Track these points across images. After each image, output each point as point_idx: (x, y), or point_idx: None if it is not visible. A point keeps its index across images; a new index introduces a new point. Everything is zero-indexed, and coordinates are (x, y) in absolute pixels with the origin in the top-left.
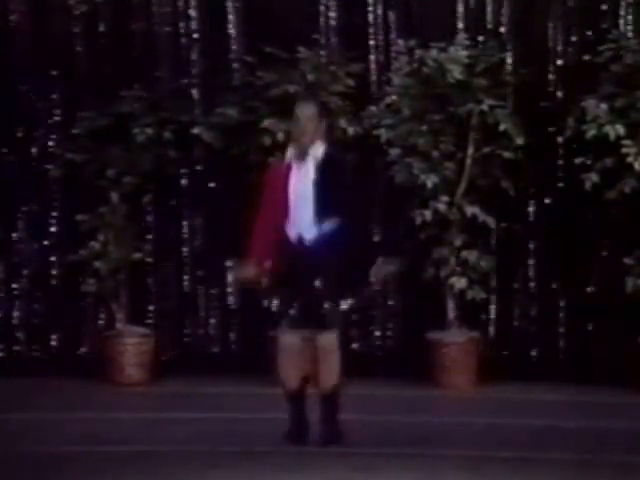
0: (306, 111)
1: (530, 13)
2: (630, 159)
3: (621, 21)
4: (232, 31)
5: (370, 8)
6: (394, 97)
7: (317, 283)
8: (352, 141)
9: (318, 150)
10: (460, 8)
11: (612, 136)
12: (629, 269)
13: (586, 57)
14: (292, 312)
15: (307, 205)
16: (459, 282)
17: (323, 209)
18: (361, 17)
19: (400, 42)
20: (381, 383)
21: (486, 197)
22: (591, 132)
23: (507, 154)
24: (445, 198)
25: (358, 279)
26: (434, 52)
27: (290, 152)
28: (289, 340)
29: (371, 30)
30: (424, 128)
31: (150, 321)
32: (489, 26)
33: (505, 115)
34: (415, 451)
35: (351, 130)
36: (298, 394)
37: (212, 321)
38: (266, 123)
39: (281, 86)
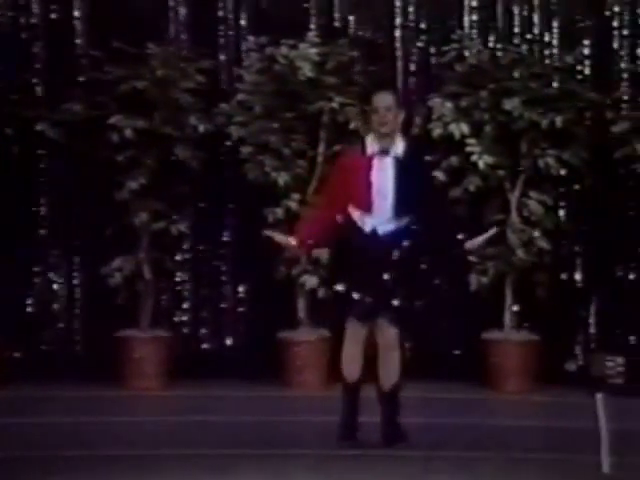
0: (384, 101)
1: (377, 12)
2: (474, 157)
3: (465, 22)
4: (78, 24)
5: (220, 4)
6: (245, 94)
7: (386, 277)
8: (203, 138)
9: (399, 145)
10: (310, 6)
11: (457, 135)
12: (473, 266)
13: (432, 57)
14: (360, 303)
15: (386, 199)
16: (310, 281)
17: (401, 205)
18: (211, 13)
19: (251, 39)
20: (232, 383)
21: None
22: (437, 131)
23: None
24: (297, 196)
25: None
26: (285, 49)
27: (370, 144)
28: (355, 331)
29: (221, 26)
30: (275, 126)
31: None
32: (338, 24)
33: (355, 113)
34: (264, 452)
35: (202, 127)
36: (355, 389)
37: (58, 323)
38: (113, 119)
39: (129, 82)
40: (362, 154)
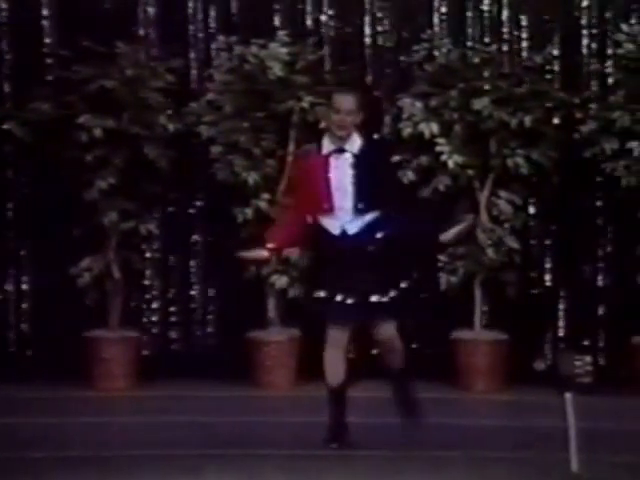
0: (347, 103)
1: (347, 11)
2: (444, 157)
3: (435, 21)
4: (46, 23)
5: (190, 3)
6: (215, 94)
7: (364, 276)
8: (172, 138)
9: (355, 142)
10: (280, 5)
11: (427, 134)
12: (443, 266)
13: (402, 56)
14: (338, 307)
15: (347, 197)
16: (280, 280)
17: (364, 201)
18: (181, 12)
19: (220, 38)
20: (201, 383)
21: None
22: (407, 130)
23: None
24: (266, 196)
25: (406, 266)
26: (254, 49)
27: (327, 144)
28: (335, 335)
29: (191, 25)
30: (245, 125)
31: None
32: (309, 23)
33: (325, 113)
34: (237, 452)
35: (172, 127)
36: (340, 392)
37: (26, 323)
38: (82, 119)
39: (98, 81)
40: (318, 154)
